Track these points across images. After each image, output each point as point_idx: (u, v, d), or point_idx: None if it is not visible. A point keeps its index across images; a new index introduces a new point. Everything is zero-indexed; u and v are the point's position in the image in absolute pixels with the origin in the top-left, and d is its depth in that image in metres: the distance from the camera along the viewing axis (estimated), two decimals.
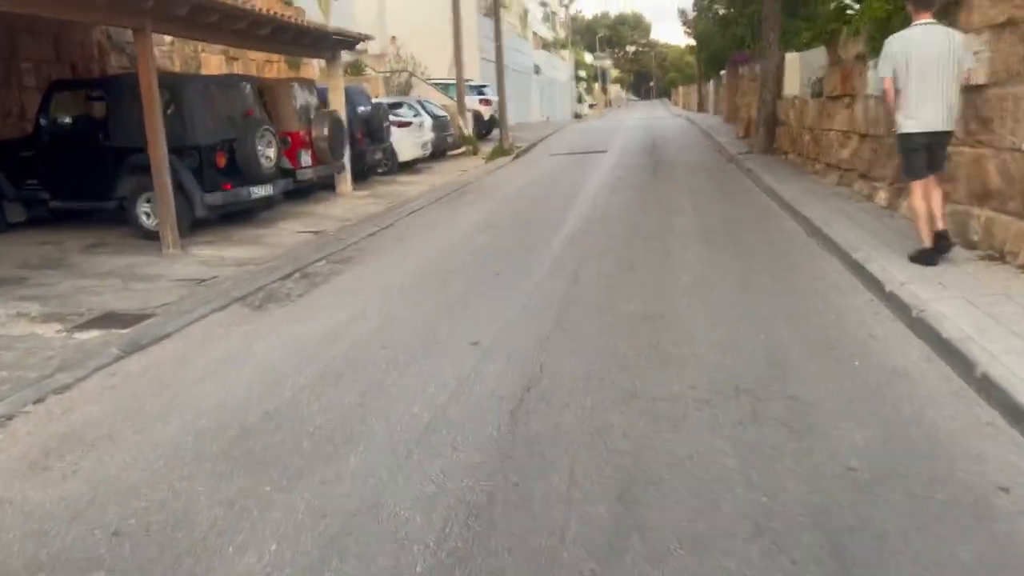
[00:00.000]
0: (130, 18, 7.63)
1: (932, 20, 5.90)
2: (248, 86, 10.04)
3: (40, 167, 9.25)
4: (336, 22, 21.46)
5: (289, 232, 9.63)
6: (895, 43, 5.89)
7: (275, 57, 17.42)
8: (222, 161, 9.03)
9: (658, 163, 16.71)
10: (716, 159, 17.10)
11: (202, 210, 8.95)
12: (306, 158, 11.46)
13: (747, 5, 24.59)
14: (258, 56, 17.58)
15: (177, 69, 14.70)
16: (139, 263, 7.89)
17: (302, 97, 11.82)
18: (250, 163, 9.26)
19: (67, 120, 9.17)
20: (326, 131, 11.59)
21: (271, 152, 9.61)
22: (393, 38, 28.06)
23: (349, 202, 12.22)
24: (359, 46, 22.98)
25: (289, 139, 11.26)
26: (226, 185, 9.07)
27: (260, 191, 9.56)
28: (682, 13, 55.04)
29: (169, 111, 8.80)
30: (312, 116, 11.65)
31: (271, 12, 9.84)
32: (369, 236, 9.49)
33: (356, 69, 21.28)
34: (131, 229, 9.15)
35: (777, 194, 10.50)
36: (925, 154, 5.94)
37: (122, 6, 7.33)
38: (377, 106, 14.54)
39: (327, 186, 13.02)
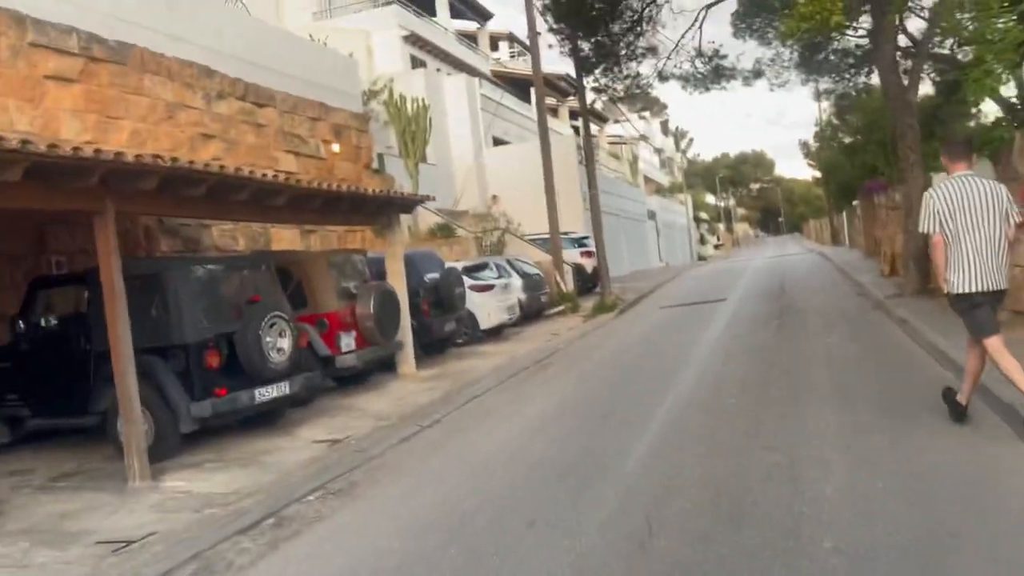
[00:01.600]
0: (82, 200, 6.18)
1: (970, 172, 5.56)
2: (263, 265, 8.47)
3: (19, 379, 7.81)
4: (429, 186, 20.56)
5: (304, 443, 7.64)
6: (936, 198, 5.50)
7: (364, 226, 16.16)
8: (215, 360, 7.28)
9: (786, 313, 14.02)
10: (858, 305, 14.23)
11: (188, 424, 7.14)
12: (348, 341, 9.68)
13: (875, 131, 22.27)
14: (341, 227, 16.53)
15: (241, 248, 13.70)
16: (83, 508, 6.03)
17: (346, 271, 10.24)
18: (253, 359, 7.47)
19: (49, 322, 7.78)
20: (372, 308, 9.84)
21: (284, 343, 7.82)
22: (493, 196, 27.17)
23: (405, 387, 10.24)
24: (441, 206, 21.97)
25: (326, 321, 9.56)
26: (220, 390, 7.26)
27: (269, 392, 7.70)
28: (803, 145, 52.96)
29: (153, 304, 7.24)
30: (357, 292, 9.97)
31: (287, 179, 8.35)
32: (401, 442, 7.37)
33: (447, 231, 20.08)
34: (116, 450, 7.45)
35: (951, 360, 7.68)
36: (989, 308, 5.43)
37: (61, 188, 5.89)
38: (448, 272, 12.84)
39: (390, 365, 11.16)
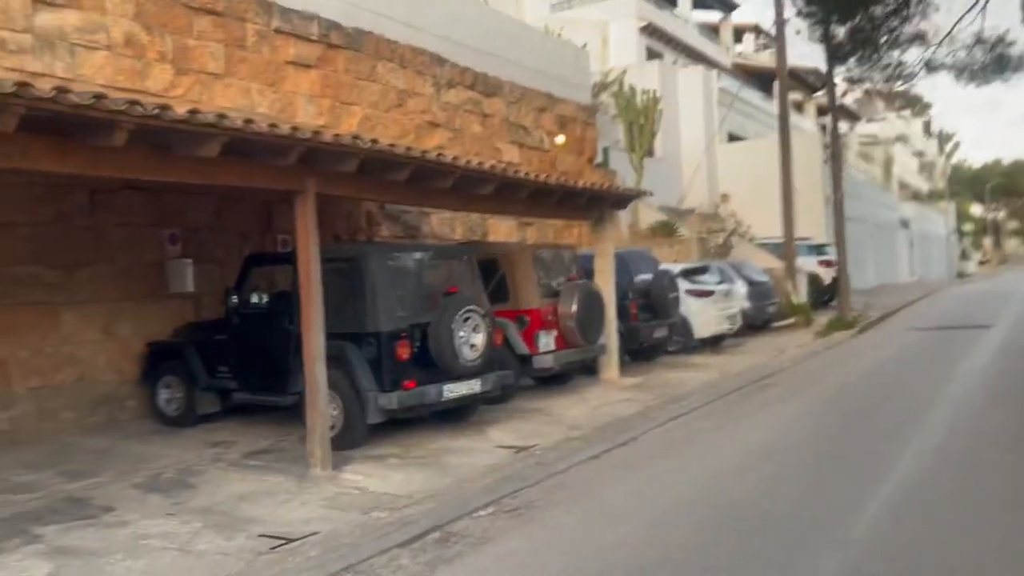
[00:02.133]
0: (281, 179, 6.11)
1: None
2: (465, 256, 8.14)
3: (229, 352, 8.07)
4: (654, 181, 19.66)
5: (489, 446, 7.20)
6: None
7: (576, 220, 15.66)
8: (405, 352, 7.02)
9: None
10: None
11: (375, 415, 6.94)
12: (547, 341, 9.15)
13: None
14: (557, 220, 16.13)
15: (458, 237, 13.70)
16: (262, 491, 5.98)
17: (553, 267, 9.72)
18: (444, 354, 7.14)
19: (258, 299, 7.94)
20: (575, 307, 9.25)
21: (478, 339, 7.43)
22: (723, 195, 25.65)
23: (604, 395, 9.55)
24: (665, 203, 20.89)
25: (527, 318, 9.10)
26: (409, 383, 7.00)
27: (458, 389, 7.35)
28: None
29: (350, 289, 7.12)
30: (561, 289, 9.42)
31: (492, 167, 7.94)
32: (589, 460, 6.70)
33: (668, 229, 19.07)
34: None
35: None
36: None
37: (260, 165, 5.84)
38: (662, 274, 11.93)
39: (592, 369, 10.52)
